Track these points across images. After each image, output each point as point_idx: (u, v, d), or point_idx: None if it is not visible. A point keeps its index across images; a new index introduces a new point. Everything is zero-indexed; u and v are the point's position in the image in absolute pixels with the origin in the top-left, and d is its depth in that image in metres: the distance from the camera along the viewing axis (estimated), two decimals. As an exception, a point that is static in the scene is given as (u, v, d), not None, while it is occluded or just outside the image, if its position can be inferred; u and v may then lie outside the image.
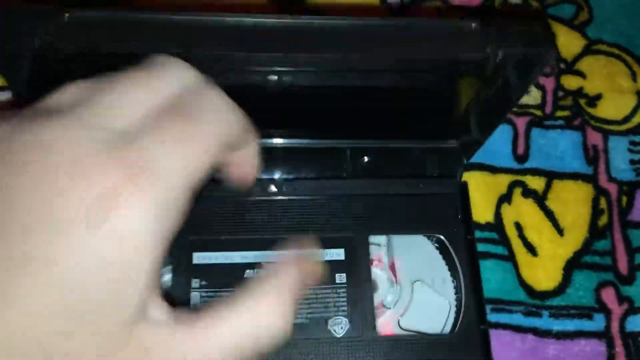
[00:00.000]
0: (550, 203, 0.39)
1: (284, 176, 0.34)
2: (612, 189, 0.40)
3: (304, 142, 0.34)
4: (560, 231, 0.38)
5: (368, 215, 0.33)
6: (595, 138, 0.41)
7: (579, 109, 0.42)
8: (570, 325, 0.36)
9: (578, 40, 0.45)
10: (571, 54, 0.44)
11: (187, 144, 0.18)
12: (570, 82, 0.43)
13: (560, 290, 0.37)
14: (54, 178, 0.16)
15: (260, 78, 0.26)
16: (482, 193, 0.39)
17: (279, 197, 0.33)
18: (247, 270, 0.31)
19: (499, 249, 0.37)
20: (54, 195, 0.16)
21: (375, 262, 0.33)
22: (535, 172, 0.40)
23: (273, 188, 0.33)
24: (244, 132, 0.20)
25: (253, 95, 0.22)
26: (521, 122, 0.41)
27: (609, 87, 0.43)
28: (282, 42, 0.24)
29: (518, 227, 0.38)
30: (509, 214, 0.39)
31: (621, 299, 0.37)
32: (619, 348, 0.35)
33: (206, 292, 0.31)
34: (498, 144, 0.40)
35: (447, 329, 0.32)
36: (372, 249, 0.33)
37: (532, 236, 0.38)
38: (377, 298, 0.32)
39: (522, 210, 0.39)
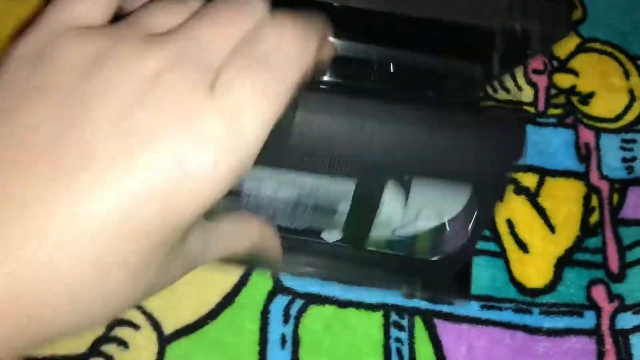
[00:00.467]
0: (542, 200, 0.39)
1: None
2: (604, 186, 0.40)
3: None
4: (551, 228, 0.38)
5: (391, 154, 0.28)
6: (587, 136, 0.41)
7: (571, 107, 0.42)
8: (560, 322, 0.36)
9: (571, 38, 0.45)
10: (564, 52, 0.44)
11: (265, 94, 0.19)
12: (563, 80, 0.43)
13: (551, 287, 0.37)
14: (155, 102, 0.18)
15: None
16: (474, 189, 0.39)
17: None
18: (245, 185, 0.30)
19: (491, 246, 0.37)
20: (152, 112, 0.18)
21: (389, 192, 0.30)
22: (527, 169, 0.40)
23: None
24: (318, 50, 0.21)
25: None
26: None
27: (601, 85, 0.43)
28: None
29: (510, 224, 0.38)
30: (501, 211, 0.39)
31: (611, 296, 0.37)
32: (609, 345, 0.35)
33: None
34: (490, 141, 0.40)
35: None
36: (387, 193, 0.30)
37: (523, 233, 0.38)
38: (379, 215, 0.30)
39: (514, 208, 0.39)
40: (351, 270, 0.34)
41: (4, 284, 0.16)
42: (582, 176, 0.40)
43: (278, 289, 0.35)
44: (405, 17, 0.25)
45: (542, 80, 0.43)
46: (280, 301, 0.35)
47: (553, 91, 0.43)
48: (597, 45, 0.45)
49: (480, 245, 0.37)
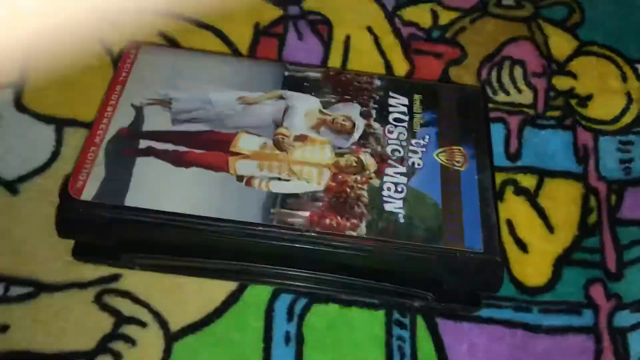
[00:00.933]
0: (542, 201, 0.40)
1: None
2: (602, 187, 0.41)
3: None
4: (550, 228, 0.39)
5: None
6: (585, 138, 0.42)
7: (570, 110, 0.43)
8: (559, 320, 0.36)
9: (570, 41, 0.46)
10: (563, 55, 0.45)
11: None
12: (562, 83, 0.44)
13: (550, 286, 0.37)
14: None
15: None
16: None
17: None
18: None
19: (491, 245, 0.38)
20: None
21: None
22: (527, 170, 0.40)
23: None
24: None
25: None
26: (514, 121, 0.42)
27: (599, 88, 0.44)
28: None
29: (510, 224, 0.39)
30: (501, 212, 0.39)
31: (609, 295, 0.37)
32: (607, 343, 0.36)
33: None
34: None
35: None
36: None
37: (523, 233, 0.39)
38: None
39: (514, 208, 0.39)
40: (362, 285, 0.35)
41: None
42: (581, 177, 0.41)
43: (282, 288, 0.36)
44: None
45: (541, 83, 0.44)
46: (285, 300, 0.36)
47: (552, 94, 0.43)
48: (595, 49, 0.45)
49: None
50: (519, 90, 0.43)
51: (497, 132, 0.41)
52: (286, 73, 0.38)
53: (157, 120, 0.36)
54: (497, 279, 0.33)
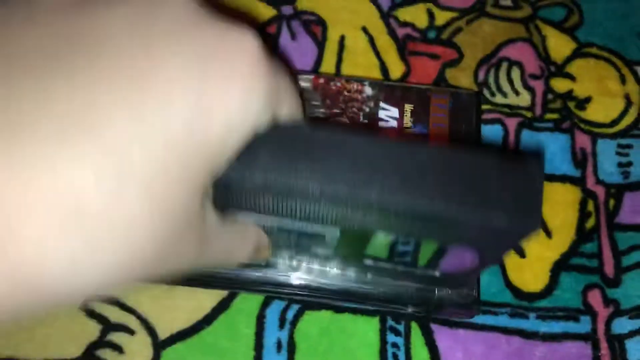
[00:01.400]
0: (539, 205, 0.39)
1: None
2: (600, 191, 0.40)
3: None
4: (548, 233, 0.38)
5: None
6: (583, 141, 0.41)
7: (568, 112, 0.42)
8: (556, 327, 0.36)
9: (568, 43, 0.45)
10: (561, 57, 0.44)
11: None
12: (560, 85, 0.43)
13: (547, 292, 0.37)
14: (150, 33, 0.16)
15: None
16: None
17: None
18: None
19: (487, 251, 0.37)
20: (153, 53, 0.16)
21: None
22: (523, 173, 0.40)
23: None
24: None
25: None
26: (512, 123, 0.41)
27: (598, 91, 0.43)
28: None
29: (506, 228, 0.38)
30: (497, 216, 0.38)
31: (607, 301, 0.37)
32: (605, 350, 0.35)
33: None
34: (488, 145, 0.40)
35: None
36: None
37: (519, 238, 0.38)
38: None
39: (510, 212, 0.39)
40: (355, 291, 0.34)
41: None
42: (579, 181, 0.40)
43: (272, 296, 0.35)
44: None
45: (539, 85, 0.43)
46: (276, 306, 0.35)
47: (550, 96, 0.43)
48: (593, 50, 0.45)
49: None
50: (517, 93, 0.42)
51: (495, 134, 0.41)
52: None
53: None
54: (474, 312, 0.33)
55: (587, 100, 0.43)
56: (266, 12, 0.44)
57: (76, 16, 0.16)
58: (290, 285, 0.33)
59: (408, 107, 0.37)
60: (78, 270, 0.15)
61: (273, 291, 0.34)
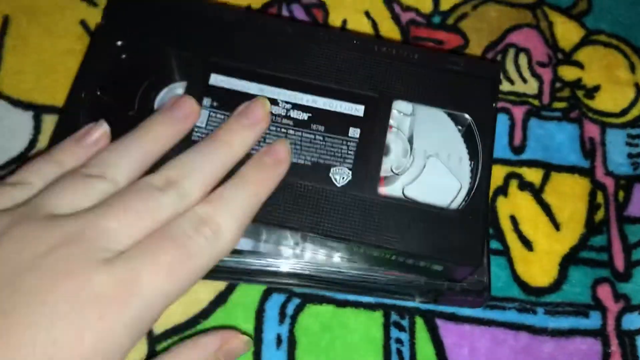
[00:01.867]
0: (547, 196, 0.38)
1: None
2: (609, 183, 0.39)
3: None
4: (556, 226, 0.37)
5: (397, 80, 0.31)
6: (592, 131, 0.40)
7: (576, 101, 0.41)
8: (565, 322, 0.35)
9: (576, 30, 0.44)
10: (569, 45, 0.43)
11: (172, 271, 0.22)
12: (568, 73, 0.42)
13: (555, 286, 0.36)
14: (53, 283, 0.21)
15: None
16: (477, 185, 0.37)
17: (311, 42, 0.32)
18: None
19: (494, 244, 0.36)
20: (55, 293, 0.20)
21: (394, 129, 0.32)
22: (532, 164, 0.39)
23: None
24: None
25: None
26: (518, 112, 0.40)
27: (607, 79, 0.42)
28: None
29: (513, 220, 0.37)
30: (505, 207, 0.37)
31: (617, 296, 0.36)
32: (615, 347, 0.34)
33: (215, 112, 0.30)
34: (494, 135, 0.39)
35: (453, 205, 0.30)
36: (394, 115, 0.32)
37: (527, 230, 0.37)
38: (387, 163, 0.31)
39: (518, 203, 0.37)
40: (360, 281, 0.33)
41: None
42: (588, 172, 0.39)
43: (274, 287, 0.34)
44: None
45: (546, 73, 0.42)
46: (276, 300, 0.33)
47: (558, 84, 0.41)
48: (602, 38, 0.43)
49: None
50: (524, 80, 0.41)
51: (501, 124, 0.39)
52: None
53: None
54: (484, 300, 0.33)
55: (596, 88, 0.42)
56: (265, -6, 0.43)
57: None
58: (293, 275, 0.32)
59: None
60: None
61: (274, 282, 0.33)
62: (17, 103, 0.37)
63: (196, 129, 0.29)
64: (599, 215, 0.38)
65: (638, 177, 0.39)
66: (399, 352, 0.33)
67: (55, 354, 0.19)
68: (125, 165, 0.25)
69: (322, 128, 0.30)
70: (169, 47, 0.31)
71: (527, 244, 0.36)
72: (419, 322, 0.34)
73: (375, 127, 0.30)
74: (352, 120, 0.30)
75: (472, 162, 0.31)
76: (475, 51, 0.42)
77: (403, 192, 0.31)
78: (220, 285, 0.33)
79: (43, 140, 0.36)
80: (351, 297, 0.34)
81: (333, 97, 0.31)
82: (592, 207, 0.38)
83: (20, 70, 0.38)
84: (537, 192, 0.38)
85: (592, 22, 0.44)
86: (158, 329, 0.32)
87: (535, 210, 0.37)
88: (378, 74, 0.31)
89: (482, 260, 0.29)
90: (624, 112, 0.41)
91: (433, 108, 0.31)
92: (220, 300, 0.33)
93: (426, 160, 0.31)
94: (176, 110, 0.28)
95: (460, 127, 0.32)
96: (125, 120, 0.28)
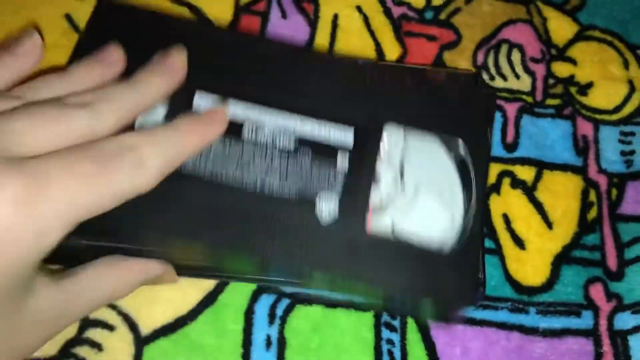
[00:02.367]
0: (540, 195, 0.37)
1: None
2: (602, 181, 0.38)
3: None
4: (549, 224, 0.37)
5: (389, 104, 0.30)
6: (585, 128, 0.40)
7: (569, 98, 0.41)
8: (557, 322, 0.34)
9: (570, 25, 0.43)
10: (562, 40, 0.43)
11: (87, 183, 0.22)
12: (561, 69, 0.42)
13: (548, 286, 0.35)
14: None
15: None
16: (469, 183, 0.37)
17: (300, 64, 0.31)
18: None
19: (486, 242, 0.36)
20: None
21: (384, 157, 0.30)
22: (524, 161, 0.38)
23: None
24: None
25: None
26: (511, 108, 0.40)
27: (600, 75, 0.41)
28: None
29: (506, 219, 0.37)
30: (497, 205, 0.37)
31: (609, 295, 0.35)
32: (607, 347, 0.34)
33: None
34: (487, 132, 0.38)
35: (445, 243, 0.29)
36: (385, 143, 0.30)
37: (520, 229, 0.36)
38: (376, 193, 0.29)
39: (510, 202, 0.37)
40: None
41: None
42: (580, 170, 0.39)
43: (263, 287, 0.33)
44: None
45: (540, 69, 0.41)
46: (266, 300, 0.33)
47: (551, 81, 0.41)
48: (596, 34, 0.43)
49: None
50: (517, 76, 0.41)
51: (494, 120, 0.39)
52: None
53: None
54: (478, 297, 0.33)
55: (589, 85, 0.41)
56: (255, -12, 0.42)
57: None
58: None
59: None
60: None
61: (264, 279, 0.33)
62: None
63: None
64: (592, 213, 0.37)
65: (631, 175, 0.39)
66: (390, 353, 0.33)
67: None
68: (117, 104, 0.25)
69: (308, 155, 0.29)
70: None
71: (520, 242, 0.36)
72: (411, 323, 0.33)
73: (365, 154, 0.29)
74: (340, 146, 0.29)
75: (465, 192, 0.30)
76: (468, 47, 0.42)
77: (392, 225, 0.29)
78: (208, 285, 0.33)
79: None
80: (342, 297, 0.33)
81: (320, 121, 0.29)
82: (585, 205, 0.38)
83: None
84: (529, 190, 0.37)
85: (585, 18, 0.43)
86: (145, 329, 0.32)
87: (528, 208, 0.37)
88: (368, 98, 0.30)
89: (473, 301, 0.28)
90: (617, 109, 0.41)
91: (426, 136, 0.30)
92: (208, 300, 0.33)
93: (417, 190, 0.30)
94: (167, 61, 0.28)
95: (454, 154, 0.31)
96: None
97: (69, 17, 0.39)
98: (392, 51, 0.41)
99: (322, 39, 0.41)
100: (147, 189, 0.24)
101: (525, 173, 0.38)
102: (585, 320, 0.35)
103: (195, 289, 0.33)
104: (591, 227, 0.37)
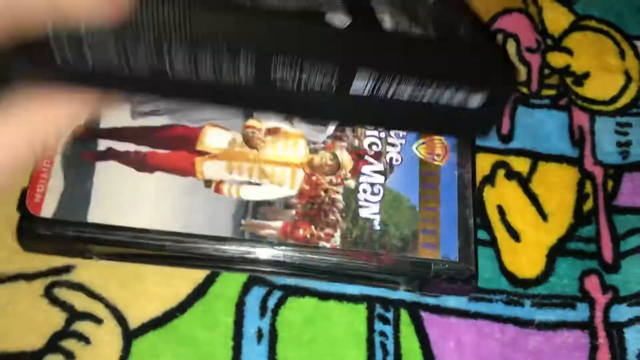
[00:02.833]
0: (535, 186, 0.37)
1: None
2: (598, 172, 0.38)
3: None
4: (544, 216, 0.36)
5: None
6: (581, 119, 0.39)
7: (565, 88, 0.40)
8: (552, 315, 0.34)
9: (566, 15, 0.43)
10: (558, 30, 0.42)
11: None
12: (557, 59, 0.41)
13: (543, 278, 0.35)
14: None
15: None
16: (464, 174, 0.36)
17: None
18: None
19: (481, 234, 0.35)
20: None
21: None
22: (520, 152, 0.38)
23: None
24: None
25: None
26: (507, 100, 0.39)
27: (596, 66, 0.41)
28: None
29: (501, 210, 0.36)
30: (492, 197, 0.36)
31: (605, 287, 0.35)
32: (602, 339, 0.34)
33: None
34: (481, 122, 0.38)
35: None
36: None
37: (515, 221, 0.36)
38: None
39: (505, 193, 0.37)
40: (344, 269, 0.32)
41: None
42: (576, 161, 0.38)
43: (254, 279, 0.33)
44: None
45: (535, 59, 0.41)
46: (257, 293, 0.32)
47: (547, 71, 0.40)
48: (592, 24, 0.42)
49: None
50: (513, 67, 0.40)
51: (489, 111, 0.38)
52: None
53: (115, 114, 0.33)
54: (471, 288, 0.33)
55: (585, 75, 0.41)
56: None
57: None
58: (274, 263, 0.31)
59: None
60: None
61: (255, 269, 0.32)
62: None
63: None
64: (588, 205, 0.37)
65: (627, 166, 0.38)
66: (383, 345, 0.32)
67: None
68: None
69: None
70: None
71: (515, 234, 0.36)
72: (404, 315, 0.33)
73: None
74: None
75: None
76: (462, 36, 0.41)
77: None
78: (199, 277, 0.32)
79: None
80: (334, 289, 0.33)
81: None
82: (581, 197, 0.37)
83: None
84: (524, 182, 0.37)
85: (582, 8, 0.43)
86: (134, 322, 0.31)
87: (523, 200, 0.37)
88: None
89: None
90: (614, 99, 0.40)
91: None
92: (198, 292, 0.32)
93: None
94: None
95: None
96: None
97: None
98: (386, 41, 0.40)
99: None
100: None
101: (521, 164, 0.37)
102: (580, 312, 0.34)
103: (184, 280, 0.32)
104: (587, 218, 0.37)
